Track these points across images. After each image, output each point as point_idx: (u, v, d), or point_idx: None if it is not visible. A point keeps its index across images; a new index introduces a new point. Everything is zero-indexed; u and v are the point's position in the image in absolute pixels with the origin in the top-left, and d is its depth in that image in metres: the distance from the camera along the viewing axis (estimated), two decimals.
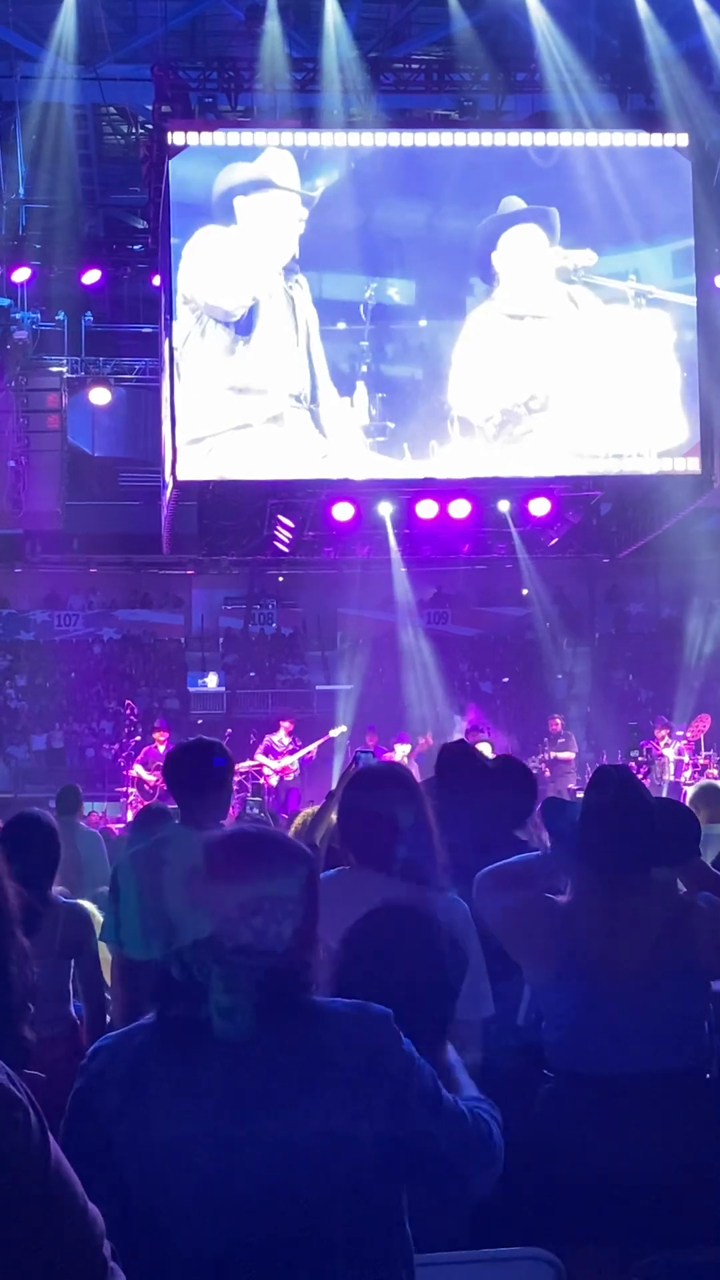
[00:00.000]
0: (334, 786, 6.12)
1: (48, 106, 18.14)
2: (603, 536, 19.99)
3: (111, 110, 20.25)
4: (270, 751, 17.08)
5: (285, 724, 17.53)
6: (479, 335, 16.56)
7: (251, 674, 23.48)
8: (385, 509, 17.43)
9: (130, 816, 14.17)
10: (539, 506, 17.34)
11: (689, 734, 17.41)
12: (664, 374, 16.68)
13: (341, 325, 16.43)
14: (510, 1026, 3.60)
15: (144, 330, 20.82)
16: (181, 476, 16.36)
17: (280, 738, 17.25)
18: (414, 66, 17.87)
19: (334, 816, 4.28)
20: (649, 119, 16.83)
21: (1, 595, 24.27)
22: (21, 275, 19.08)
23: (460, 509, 16.95)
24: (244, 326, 16.26)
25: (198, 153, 16.21)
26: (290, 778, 17.12)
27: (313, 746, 17.57)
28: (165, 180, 16.28)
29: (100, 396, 20.73)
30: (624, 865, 3.40)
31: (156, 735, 16.94)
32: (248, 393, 16.20)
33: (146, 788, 15.96)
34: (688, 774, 16.41)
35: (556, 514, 17.84)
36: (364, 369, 16.44)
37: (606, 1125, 3.25)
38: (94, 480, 21.91)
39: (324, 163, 16.45)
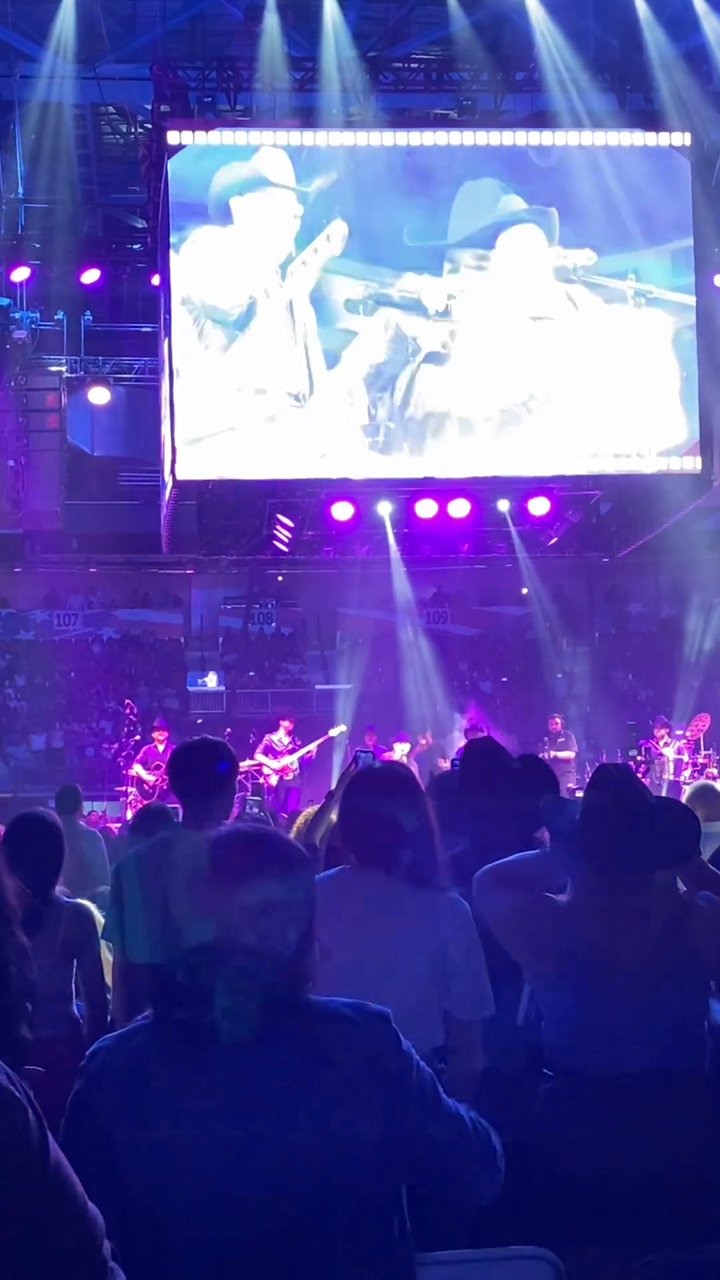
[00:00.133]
0: (334, 786, 6.12)
1: (47, 106, 18.16)
2: (602, 536, 19.97)
3: (110, 110, 20.26)
4: (270, 751, 17.07)
5: (285, 723, 17.52)
6: (478, 334, 16.56)
7: (251, 673, 23.46)
8: (385, 508, 17.43)
9: (129, 816, 14.17)
10: (538, 506, 17.34)
11: (688, 733, 17.43)
12: (663, 373, 16.68)
13: (340, 324, 16.43)
14: (510, 1026, 3.60)
15: (143, 330, 20.82)
16: (181, 476, 16.35)
17: (280, 737, 17.24)
18: (413, 66, 17.86)
19: (334, 816, 4.28)
20: (648, 119, 16.83)
21: (1, 595, 24.25)
22: (21, 275, 19.09)
23: (460, 508, 16.96)
24: (241, 326, 16.27)
25: (196, 152, 16.21)
26: (290, 777, 17.11)
27: (312, 746, 17.55)
28: (164, 180, 16.28)
29: (99, 396, 20.71)
30: (624, 864, 3.39)
31: (156, 735, 16.93)
32: (246, 392, 16.21)
33: (146, 787, 15.97)
34: (687, 773, 16.41)
35: (556, 513, 17.84)
36: (364, 368, 16.43)
37: (606, 1125, 3.25)
38: (93, 480, 21.92)
39: (323, 162, 16.45)
